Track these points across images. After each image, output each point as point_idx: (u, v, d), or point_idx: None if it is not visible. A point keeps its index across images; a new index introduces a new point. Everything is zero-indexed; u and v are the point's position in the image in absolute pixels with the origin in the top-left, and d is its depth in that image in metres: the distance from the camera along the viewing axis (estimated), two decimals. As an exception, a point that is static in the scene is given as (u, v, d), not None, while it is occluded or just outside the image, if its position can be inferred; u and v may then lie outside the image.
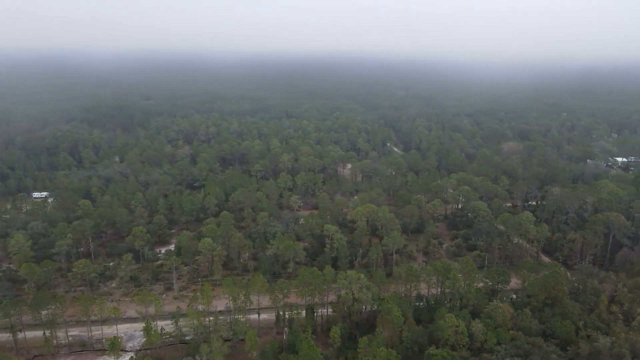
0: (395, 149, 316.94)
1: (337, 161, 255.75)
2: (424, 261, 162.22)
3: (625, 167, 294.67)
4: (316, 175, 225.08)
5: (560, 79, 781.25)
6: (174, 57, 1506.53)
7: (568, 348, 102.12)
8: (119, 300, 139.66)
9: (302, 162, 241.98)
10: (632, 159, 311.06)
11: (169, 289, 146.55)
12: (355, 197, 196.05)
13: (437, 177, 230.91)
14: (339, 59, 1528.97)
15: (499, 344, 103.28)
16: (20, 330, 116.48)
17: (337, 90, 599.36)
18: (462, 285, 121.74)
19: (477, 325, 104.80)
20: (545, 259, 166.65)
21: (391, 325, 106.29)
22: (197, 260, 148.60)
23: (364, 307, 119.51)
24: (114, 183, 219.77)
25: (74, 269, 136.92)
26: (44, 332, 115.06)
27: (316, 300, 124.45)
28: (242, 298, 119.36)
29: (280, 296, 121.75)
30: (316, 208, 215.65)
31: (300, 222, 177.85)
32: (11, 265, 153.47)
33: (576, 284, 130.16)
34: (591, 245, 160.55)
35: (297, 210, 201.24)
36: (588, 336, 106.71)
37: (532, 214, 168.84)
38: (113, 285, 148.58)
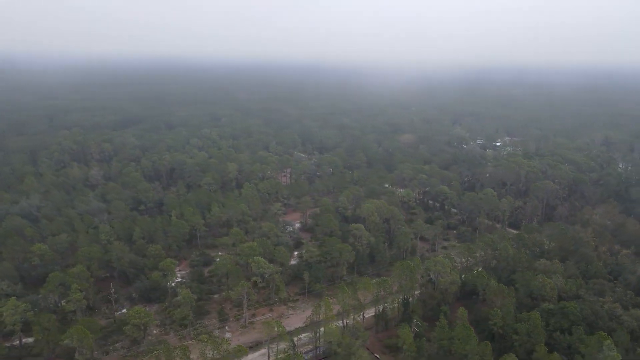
0: (301, 154, 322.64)
1: (279, 166, 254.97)
2: (432, 245, 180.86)
3: (484, 148, 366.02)
4: (278, 182, 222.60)
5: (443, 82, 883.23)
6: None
7: (616, 281, 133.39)
8: (181, 346, 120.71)
9: (252, 170, 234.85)
10: (482, 141, 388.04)
11: (225, 320, 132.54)
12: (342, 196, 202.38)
13: (376, 171, 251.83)
14: (176, 63, 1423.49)
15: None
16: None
17: (189, 96, 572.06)
18: (511, 252, 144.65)
19: (559, 279, 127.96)
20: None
21: (501, 294, 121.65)
22: (254, 282, 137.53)
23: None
24: (47, 220, 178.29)
25: (132, 320, 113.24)
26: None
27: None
28: (354, 302, 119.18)
29: (383, 293, 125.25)
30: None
31: (316, 225, 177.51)
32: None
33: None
34: (537, 208, 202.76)
35: (282, 217, 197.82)
36: (611, 271, 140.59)
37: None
38: (155, 331, 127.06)
